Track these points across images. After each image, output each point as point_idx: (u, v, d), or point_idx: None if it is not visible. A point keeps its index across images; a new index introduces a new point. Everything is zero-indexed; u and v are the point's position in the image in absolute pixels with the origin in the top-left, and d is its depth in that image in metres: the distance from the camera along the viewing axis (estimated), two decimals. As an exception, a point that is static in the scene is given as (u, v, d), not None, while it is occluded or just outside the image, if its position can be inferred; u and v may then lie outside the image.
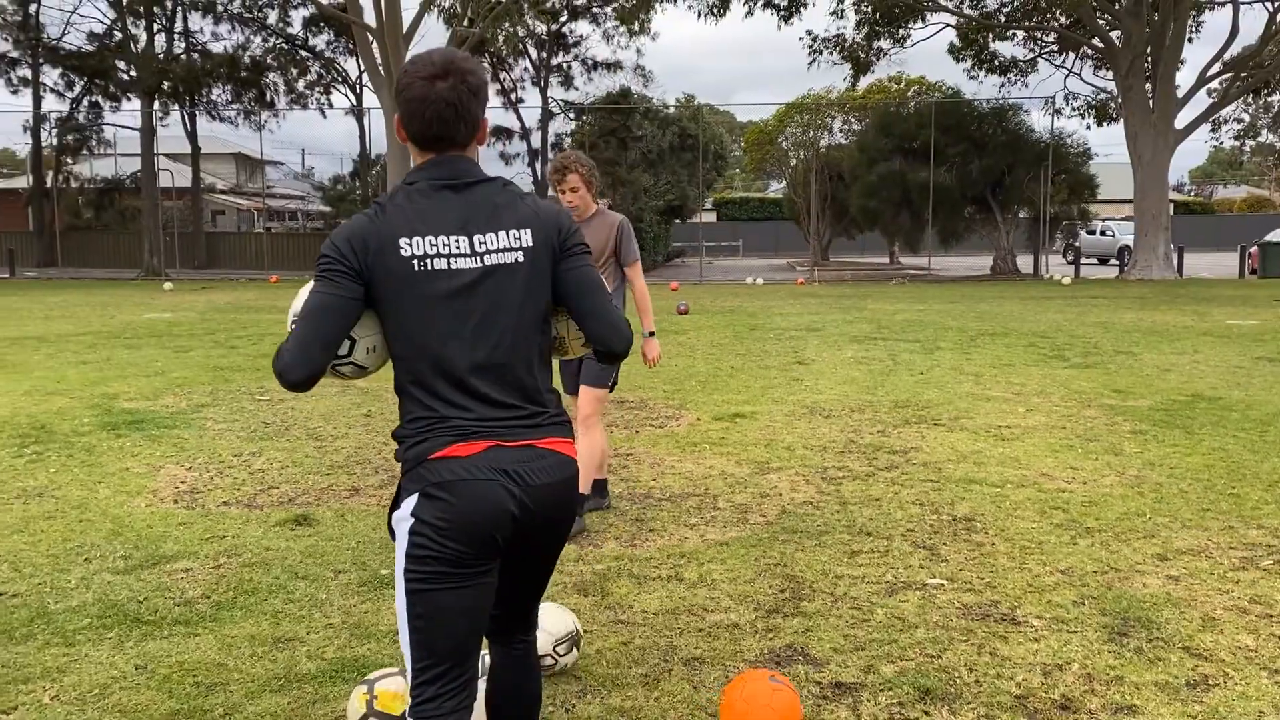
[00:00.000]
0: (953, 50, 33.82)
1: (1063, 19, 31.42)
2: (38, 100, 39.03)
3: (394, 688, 2.93)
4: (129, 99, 37.16)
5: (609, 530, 5.01)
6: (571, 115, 40.12)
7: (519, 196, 2.23)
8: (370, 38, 29.24)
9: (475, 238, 2.13)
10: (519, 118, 40.21)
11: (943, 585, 4.21)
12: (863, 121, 41.28)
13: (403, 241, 2.09)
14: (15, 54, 38.92)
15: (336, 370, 2.21)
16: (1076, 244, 36.67)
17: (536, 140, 40.14)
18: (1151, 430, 7.27)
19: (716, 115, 72.99)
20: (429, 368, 2.12)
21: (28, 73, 38.91)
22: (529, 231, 2.18)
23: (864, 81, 36.72)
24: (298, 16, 38.97)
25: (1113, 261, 37.93)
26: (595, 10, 38.33)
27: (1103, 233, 40.22)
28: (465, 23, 29.86)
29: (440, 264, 2.10)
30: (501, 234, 2.15)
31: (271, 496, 5.63)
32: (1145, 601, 4.00)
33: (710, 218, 67.64)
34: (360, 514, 5.27)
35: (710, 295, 23.87)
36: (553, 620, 3.27)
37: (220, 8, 38.06)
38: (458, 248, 2.12)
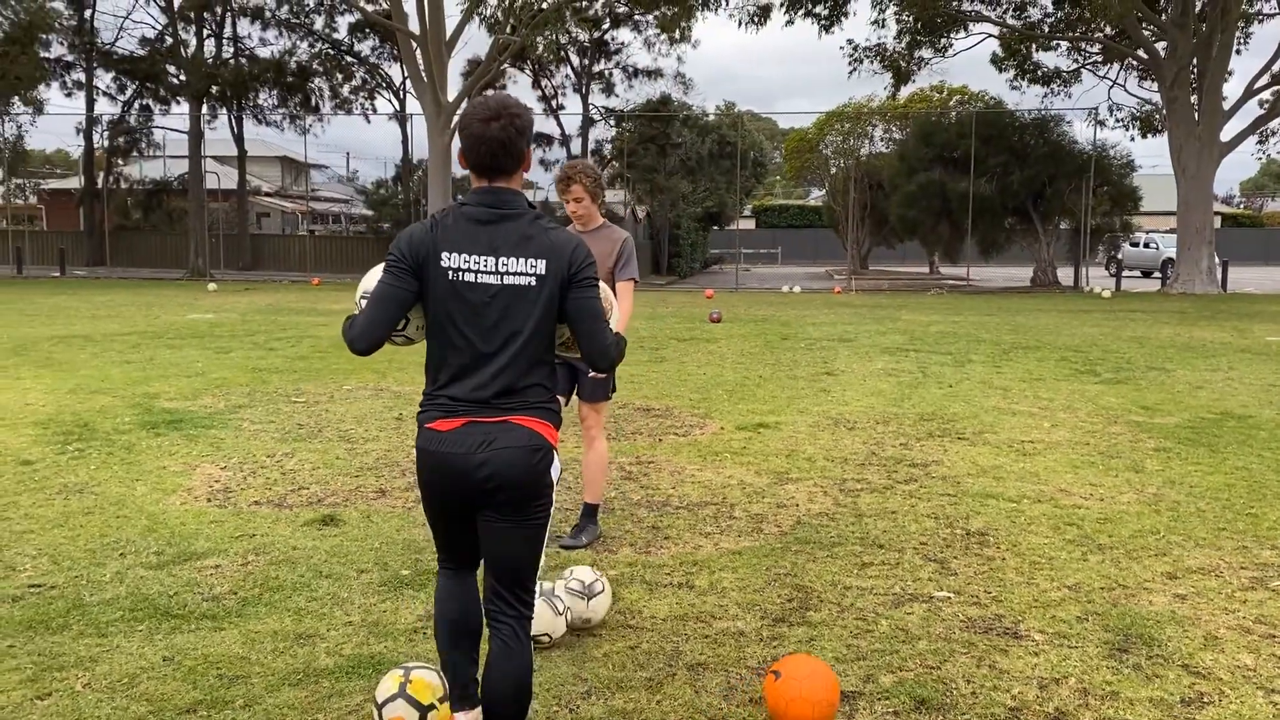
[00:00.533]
0: (995, 60, 33.62)
1: (1107, 29, 31.14)
2: (90, 103, 39.92)
3: (429, 679, 3.04)
4: (178, 102, 37.93)
5: (625, 537, 5.12)
6: (612, 122, 40.34)
7: (544, 230, 2.71)
8: (414, 44, 29.62)
9: (500, 259, 2.65)
10: (559, 124, 40.52)
11: (949, 598, 4.28)
12: (904, 130, 41.15)
13: (444, 254, 2.65)
14: (70, 58, 39.87)
15: (392, 339, 2.78)
16: (1118, 256, 36.28)
17: (576, 146, 40.37)
18: (1176, 448, 7.26)
19: (758, 122, 73.00)
20: (445, 354, 2.69)
21: (81, 76, 39.85)
22: (544, 262, 2.67)
23: (905, 91, 36.61)
24: (344, 23, 39.58)
25: (1156, 274, 37.46)
26: (637, 18, 38.52)
27: (1146, 245, 39.78)
28: (508, 30, 30.15)
29: (469, 277, 2.65)
30: (522, 260, 2.66)
31: (301, 497, 5.81)
32: (1149, 619, 4.05)
33: (749, 225, 67.66)
34: (385, 515, 5.43)
35: (745, 303, 23.92)
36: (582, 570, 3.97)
37: (268, 14, 38.76)
38: (484, 265, 2.65)
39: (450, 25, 29.98)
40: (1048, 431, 7.87)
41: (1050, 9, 31.95)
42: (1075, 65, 33.39)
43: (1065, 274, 32.69)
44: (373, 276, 2.81)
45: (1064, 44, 32.80)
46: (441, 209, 2.80)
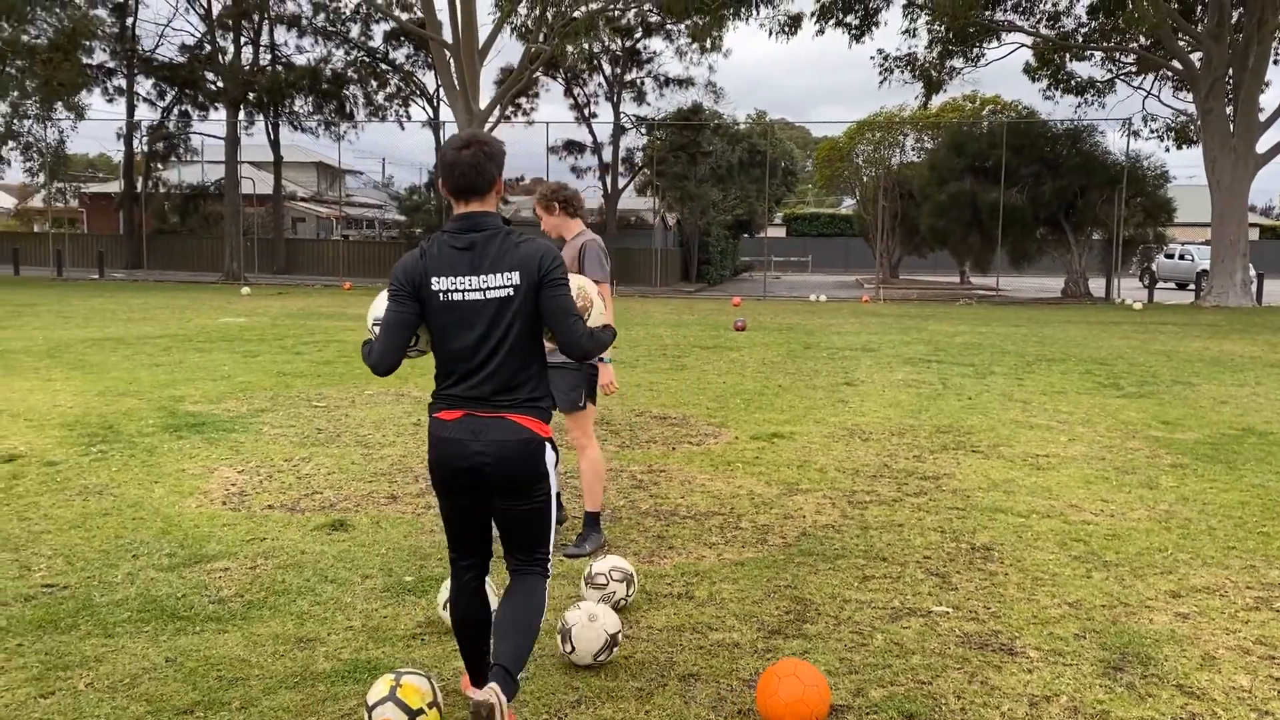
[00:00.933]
0: (1028, 70, 33.41)
1: (1142, 40, 30.86)
2: (131, 109, 40.59)
3: (419, 684, 3.12)
4: (216, 109, 38.50)
5: (629, 546, 5.16)
6: (643, 130, 40.44)
7: (516, 244, 3.03)
8: (446, 53, 29.89)
9: (482, 277, 3.00)
10: (591, 132, 40.68)
11: (947, 613, 4.29)
12: (936, 140, 40.97)
13: (434, 279, 3.01)
14: (112, 64, 40.57)
15: (407, 354, 3.13)
16: (1152, 267, 35.89)
17: (608, 154, 40.52)
18: (1193, 464, 7.20)
19: (791, 130, 72.88)
20: (447, 359, 3.07)
21: (122, 82, 40.53)
22: (518, 273, 3.01)
23: (937, 100, 36.49)
24: (379, 31, 40.01)
25: (1191, 286, 37.02)
26: (669, 27, 38.63)
27: (1181, 256, 39.33)
28: (539, 39, 30.34)
29: (457, 296, 3.00)
30: (500, 275, 3.00)
31: (314, 501, 5.90)
32: (1148, 637, 4.03)
33: (780, 233, 67.56)
34: (394, 521, 5.50)
35: (771, 311, 23.90)
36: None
37: (305, 22, 39.25)
38: (469, 284, 3.00)
39: (483, 35, 30.25)
40: (1064, 446, 7.83)
41: (1084, 19, 31.73)
42: (1109, 75, 33.14)
43: (1098, 285, 32.39)
44: (380, 303, 3.20)
45: (1098, 54, 32.56)
46: (429, 238, 3.13)
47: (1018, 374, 12.17)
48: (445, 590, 3.84)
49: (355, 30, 40.18)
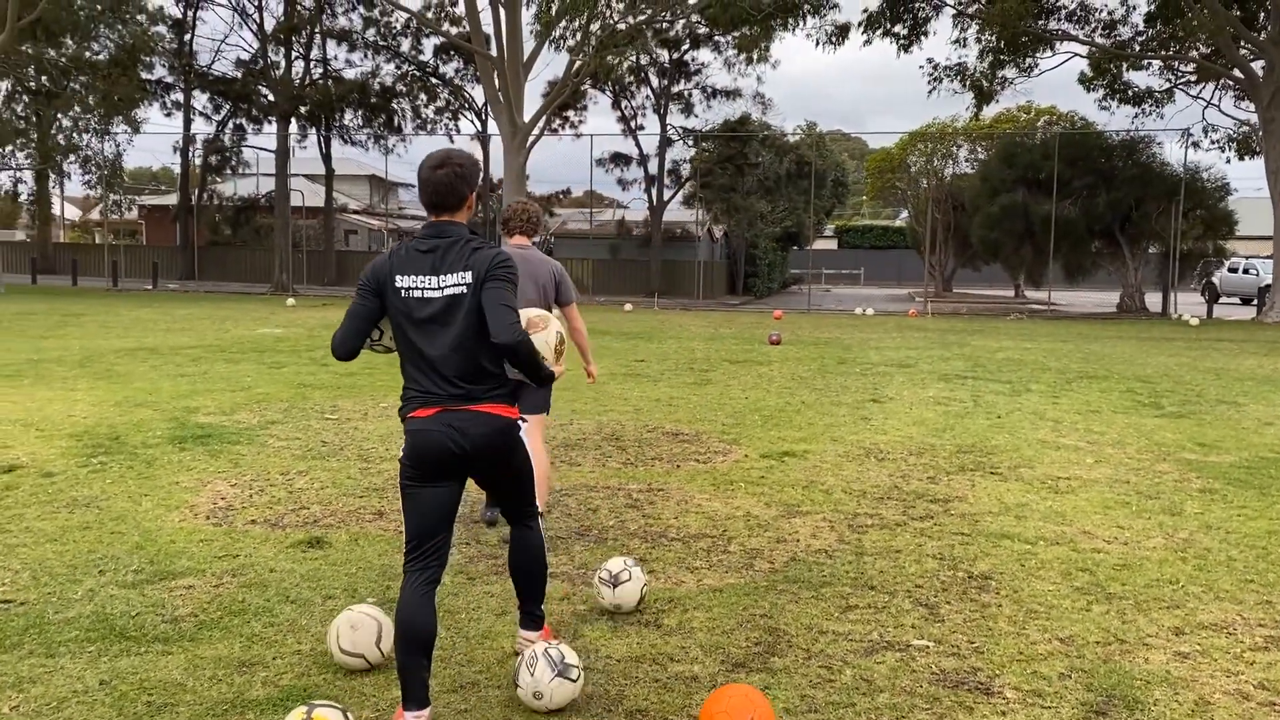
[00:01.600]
0: (1084, 80, 32.71)
1: (1201, 48, 30.05)
2: (188, 123, 41.40)
3: (331, 716, 3.00)
4: (269, 122, 39.10)
5: (608, 569, 4.98)
6: (690, 142, 40.31)
7: (474, 249, 3.28)
8: (491, 67, 30.04)
9: (441, 277, 3.25)
10: (637, 144, 40.61)
11: (927, 647, 4.05)
12: (989, 151, 40.31)
13: (398, 278, 3.27)
14: (170, 79, 41.44)
15: (373, 348, 3.46)
16: (1213, 281, 34.88)
17: (654, 166, 40.43)
18: (1223, 489, 6.84)
19: (845, 142, 72.31)
20: (411, 358, 3.30)
21: (180, 97, 41.37)
22: (470, 273, 3.26)
23: (989, 111, 35.88)
24: (429, 45, 40.40)
25: (1255, 301, 35.91)
26: (717, 39, 38.49)
27: (1245, 270, 38.19)
28: (581, 54, 30.38)
29: (418, 294, 3.25)
30: (455, 275, 3.25)
31: (299, 517, 5.80)
32: (1139, 679, 3.76)
33: (831, 245, 66.98)
34: (373, 539, 5.38)
35: (811, 325, 23.58)
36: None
37: (356, 36, 39.75)
38: (428, 283, 3.25)
39: (528, 49, 30.35)
40: (1089, 468, 7.50)
41: (1141, 27, 31.01)
42: (1168, 85, 32.30)
43: (1155, 300, 31.55)
44: None
45: (1155, 63, 31.77)
46: (399, 243, 3.41)
47: (1054, 392, 11.78)
48: (338, 625, 3.72)
49: (406, 45, 40.68)
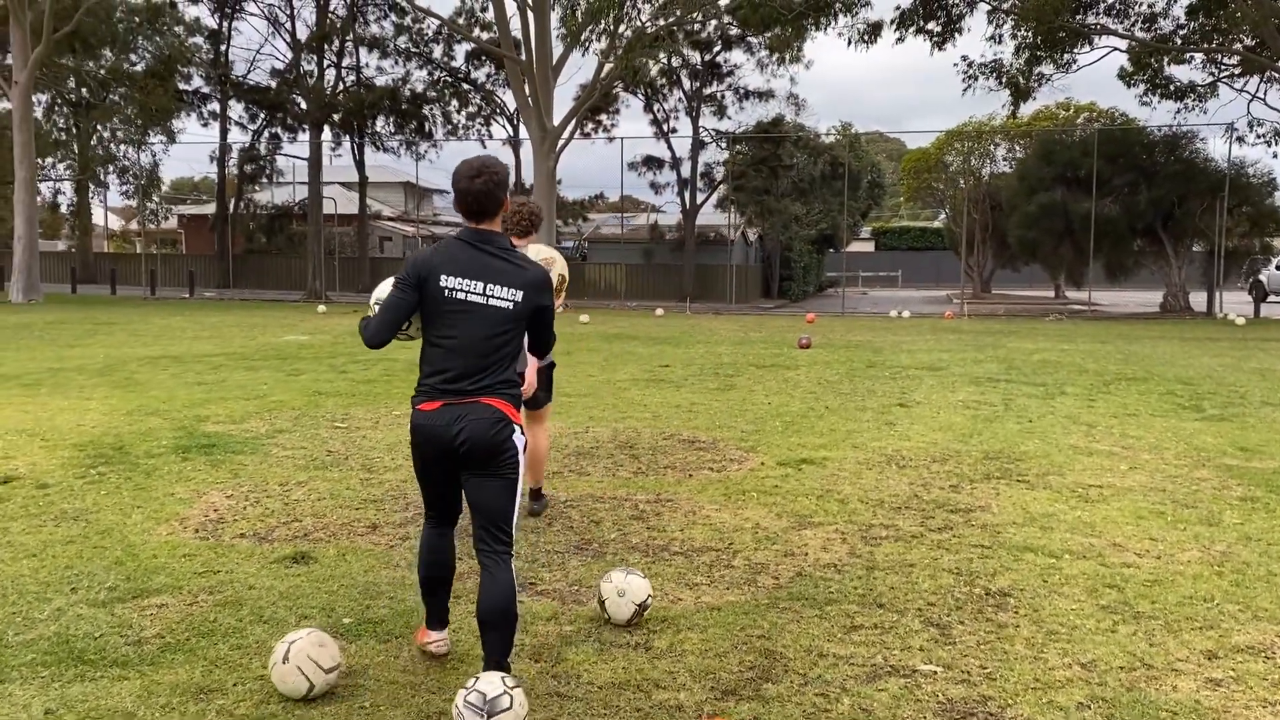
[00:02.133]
0: (1123, 75, 32.01)
1: (1246, 40, 29.27)
2: (224, 132, 41.77)
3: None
4: (304, 130, 39.33)
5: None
6: (723, 144, 39.99)
7: (520, 266, 3.48)
8: (520, 71, 29.96)
9: (490, 285, 3.43)
10: (670, 147, 40.36)
11: (934, 673, 3.76)
12: (1027, 149, 39.61)
13: (444, 276, 3.43)
14: (207, 90, 41.84)
15: (398, 337, 3.55)
16: (1261, 279, 34.00)
17: (687, 169, 40.17)
18: (1265, 497, 6.46)
19: (881, 143, 71.60)
20: (434, 348, 3.47)
21: (216, 107, 41.74)
22: (521, 293, 3.46)
23: (1027, 109, 35.25)
24: (460, 51, 40.44)
25: (1305, 300, 34.98)
26: (749, 39, 38.16)
27: (1294, 268, 37.21)
28: (610, 57, 30.20)
29: (460, 295, 3.42)
30: (506, 289, 3.44)
31: (289, 530, 5.61)
32: (1165, 708, 3.45)
33: (869, 247, 66.29)
34: (362, 554, 5.17)
35: (844, 328, 23.18)
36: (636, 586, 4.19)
37: (389, 44, 39.88)
38: (474, 288, 3.42)
39: (556, 53, 30.23)
40: (1122, 475, 7.14)
41: (1182, 20, 30.27)
42: (1211, 79, 31.51)
43: (1200, 300, 30.77)
44: (385, 287, 3.58)
45: (1198, 56, 31.00)
46: (443, 239, 3.62)
47: (1090, 394, 11.37)
48: (279, 652, 3.51)
49: (438, 51, 40.76)
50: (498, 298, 3.41)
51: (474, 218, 3.49)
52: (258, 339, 17.83)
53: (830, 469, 7.31)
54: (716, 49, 39.33)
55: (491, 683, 3.18)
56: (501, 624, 3.41)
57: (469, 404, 3.40)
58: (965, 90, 33.16)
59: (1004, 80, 30.39)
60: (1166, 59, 31.21)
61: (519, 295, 3.44)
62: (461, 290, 3.40)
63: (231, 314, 25.71)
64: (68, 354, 14.65)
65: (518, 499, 3.54)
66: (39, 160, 43.27)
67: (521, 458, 3.50)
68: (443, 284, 3.40)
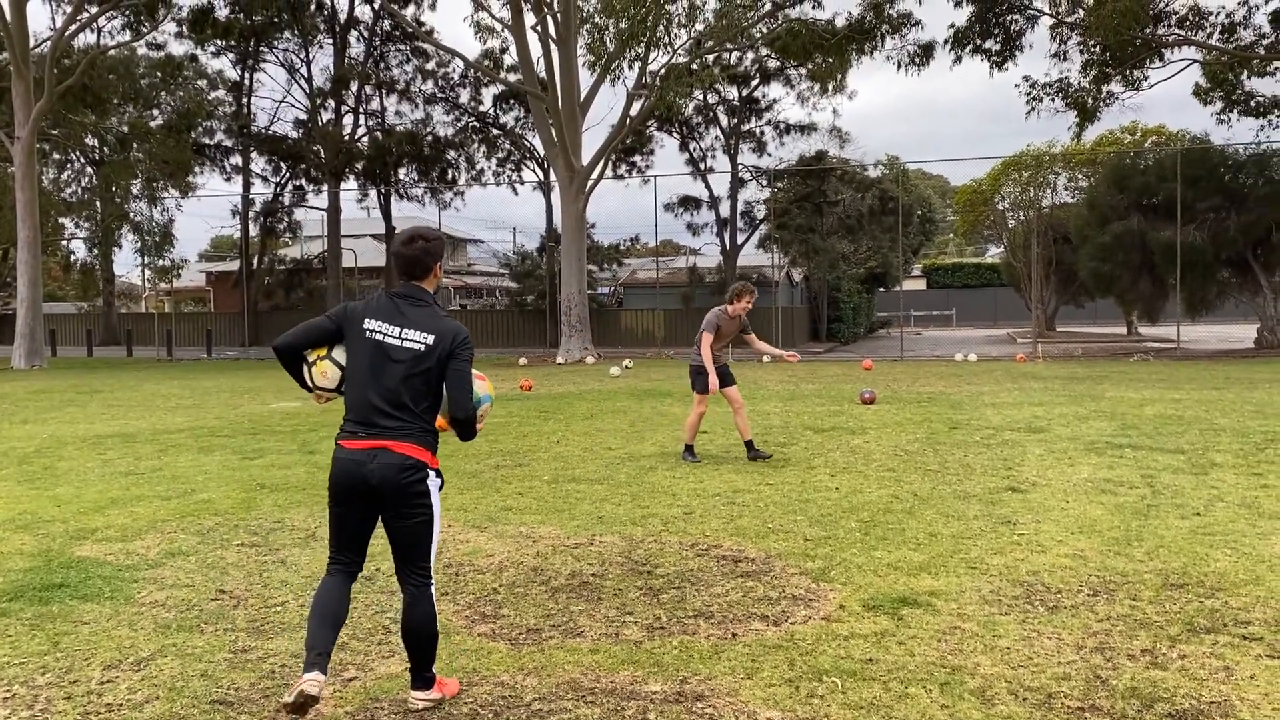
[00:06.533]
0: (1198, 92, 29.44)
1: (1339, 46, 26.61)
2: (246, 185, 40.40)
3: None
4: (326, 181, 37.78)
5: None
6: (763, 181, 37.80)
7: (438, 317, 3.79)
8: (544, 107, 28.09)
9: (405, 330, 3.75)
10: (707, 185, 38.26)
11: None
12: (1091, 177, 36.95)
13: (367, 320, 3.79)
14: (229, 143, 40.55)
15: (319, 395, 3.91)
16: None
17: (726, 209, 37.98)
18: None
19: (931, 180, 69.19)
20: (355, 388, 3.75)
21: (239, 160, 40.42)
22: (433, 337, 3.75)
23: (1091, 132, 32.69)
24: (488, 95, 38.82)
25: None
26: (788, 71, 36.10)
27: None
28: (640, 91, 28.20)
29: (379, 336, 3.75)
30: (419, 333, 3.75)
31: (50, 787, 3.28)
32: None
33: (920, 285, 63.63)
34: None
35: (909, 376, 20.64)
36: None
37: (414, 90, 38.33)
38: (392, 332, 3.75)
39: (585, 88, 28.34)
40: (1402, 621, 4.61)
41: (1266, 29, 27.69)
42: (1299, 91, 28.77)
43: (1298, 333, 27.82)
44: (341, 354, 3.85)
45: (1284, 67, 28.35)
46: (376, 293, 4.08)
47: (1251, 464, 8.81)
48: None
49: (465, 96, 39.15)
50: (410, 340, 3.71)
51: (406, 277, 3.86)
52: (241, 408, 15.71)
53: (946, 618, 4.85)
54: (754, 82, 37.33)
55: None
56: (425, 644, 3.77)
57: (381, 448, 3.62)
58: (1030, 113, 30.69)
59: (1070, 100, 27.90)
60: (1247, 72, 28.61)
61: (429, 339, 3.72)
62: (379, 331, 3.74)
63: (237, 376, 23.75)
64: (9, 433, 12.59)
65: (435, 536, 3.78)
66: (60, 222, 42.10)
67: (435, 497, 3.73)
68: (364, 326, 3.76)
